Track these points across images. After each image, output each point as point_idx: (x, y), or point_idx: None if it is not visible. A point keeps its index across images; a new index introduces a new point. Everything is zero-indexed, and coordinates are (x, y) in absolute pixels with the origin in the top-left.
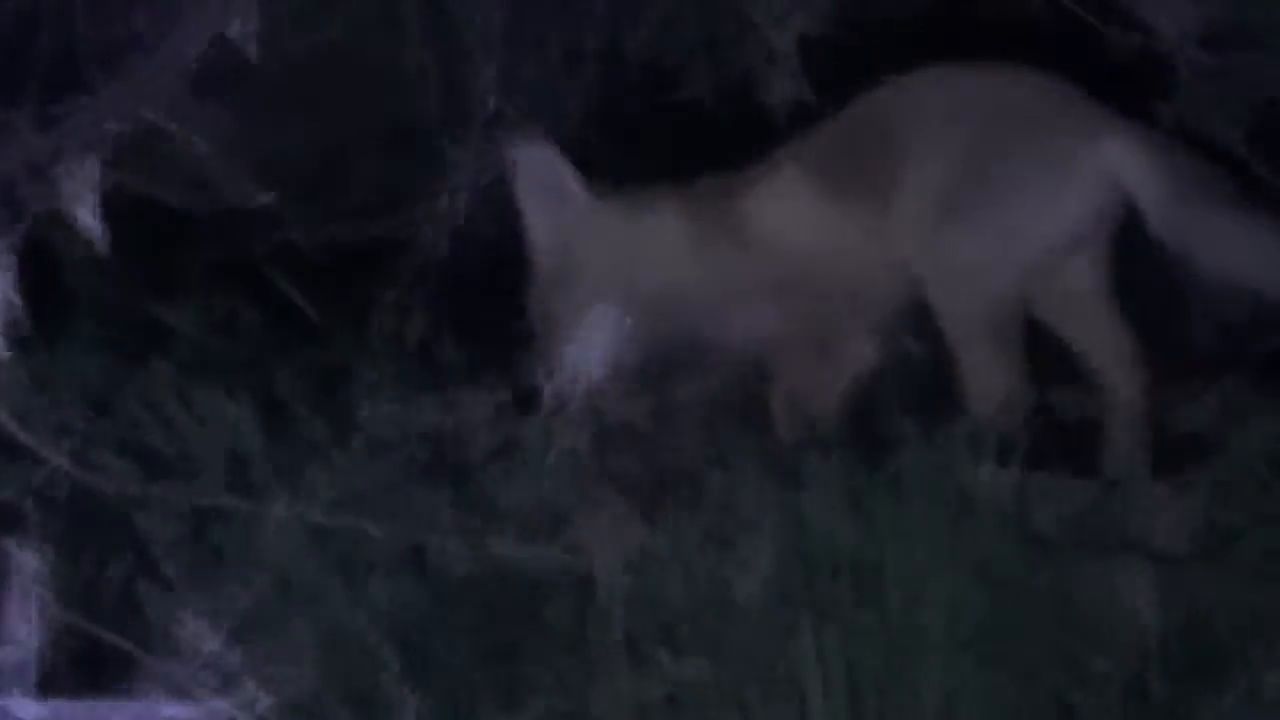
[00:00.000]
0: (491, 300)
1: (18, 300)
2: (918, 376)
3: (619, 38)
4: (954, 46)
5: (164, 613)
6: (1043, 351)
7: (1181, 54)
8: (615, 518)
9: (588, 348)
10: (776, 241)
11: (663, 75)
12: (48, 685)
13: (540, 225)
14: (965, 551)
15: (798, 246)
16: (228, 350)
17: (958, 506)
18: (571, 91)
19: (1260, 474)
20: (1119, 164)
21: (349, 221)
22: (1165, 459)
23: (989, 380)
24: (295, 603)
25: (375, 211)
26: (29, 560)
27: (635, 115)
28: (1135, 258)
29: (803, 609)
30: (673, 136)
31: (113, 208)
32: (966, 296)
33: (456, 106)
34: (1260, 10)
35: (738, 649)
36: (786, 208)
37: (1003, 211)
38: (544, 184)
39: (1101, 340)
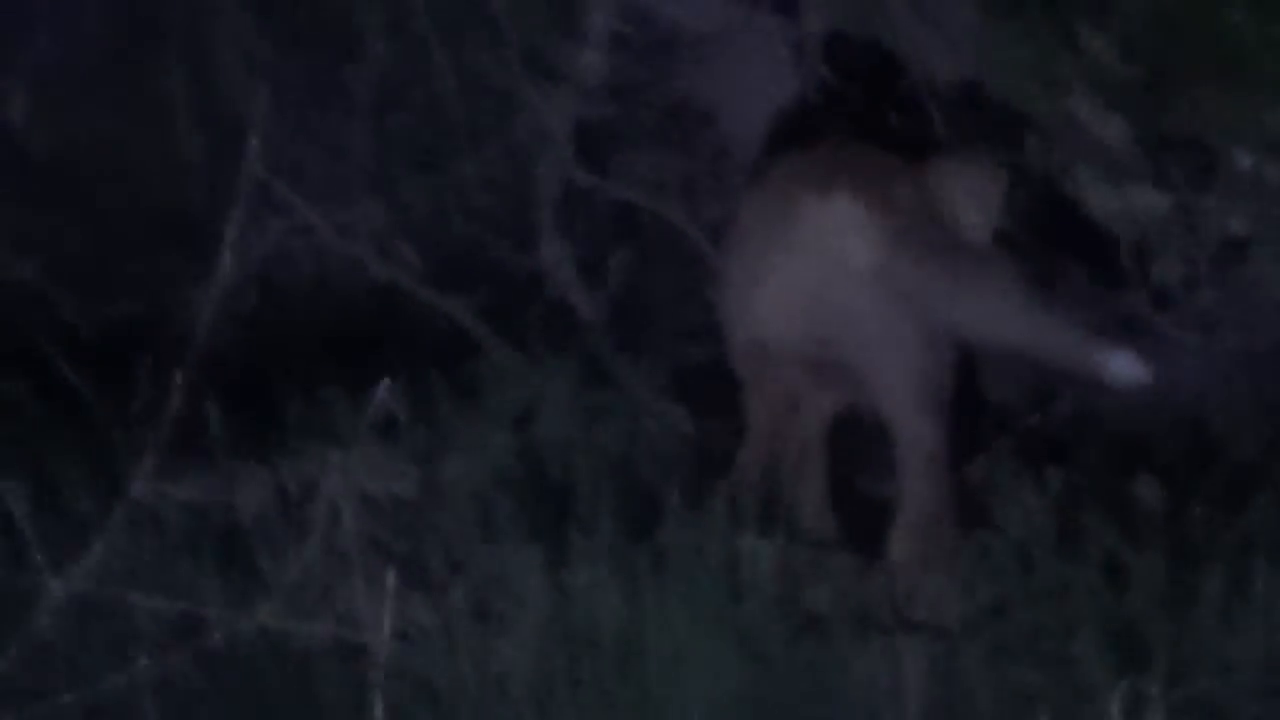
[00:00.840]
0: (263, 375)
1: None
2: (683, 446)
3: (385, 117)
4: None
5: None
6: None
7: None
8: (385, 589)
9: None
10: None
11: (434, 155)
12: None
13: None
14: (728, 625)
15: None
16: None
17: (723, 579)
18: (345, 171)
19: (1024, 549)
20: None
21: (120, 299)
22: None
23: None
24: (62, 674)
25: (147, 289)
26: None
27: (410, 194)
28: None
29: (563, 681)
30: (445, 214)
31: None
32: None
33: (225, 186)
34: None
35: None
36: None
37: (742, 278)
38: None
39: (905, 430)
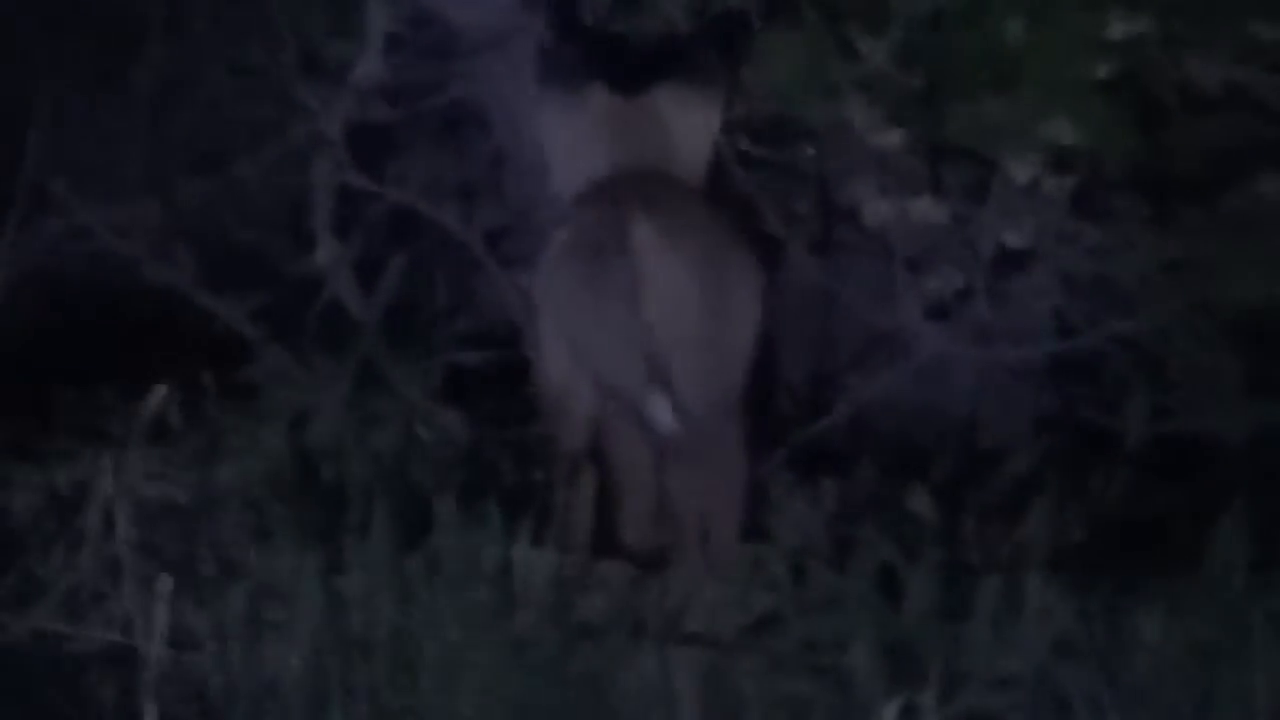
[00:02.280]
0: (37, 377)
1: None
2: (459, 455)
3: (164, 118)
4: None
5: None
6: None
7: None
8: (158, 594)
9: None
10: None
11: (212, 156)
12: None
13: None
14: (502, 633)
15: None
16: None
17: (497, 588)
18: (123, 169)
19: (798, 560)
20: None
21: None
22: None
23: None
24: None
25: None
26: None
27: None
28: None
29: (337, 687)
30: (220, 215)
31: None
32: None
33: (3, 185)
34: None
35: None
36: None
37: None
38: None
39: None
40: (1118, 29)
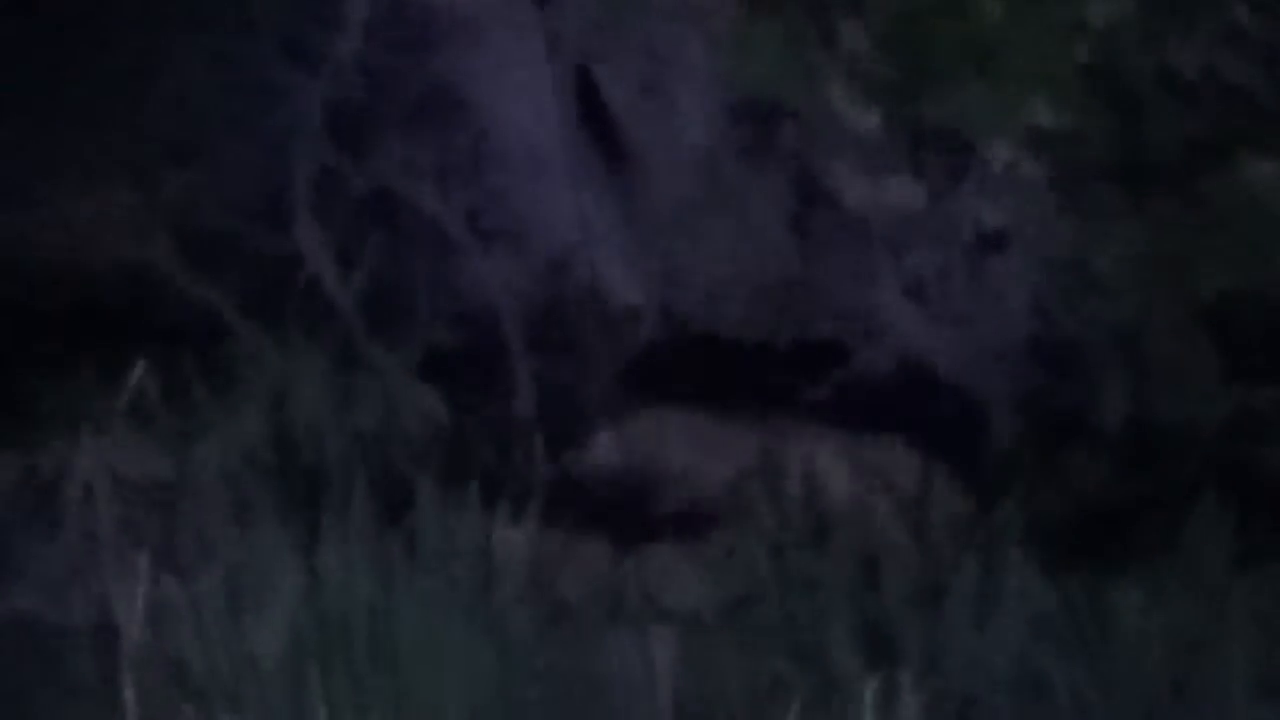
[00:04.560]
0: (16, 360)
1: None
2: (438, 434)
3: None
4: None
5: None
6: None
7: None
8: (137, 572)
9: None
10: None
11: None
12: None
13: None
14: (480, 612)
15: None
16: None
17: (475, 567)
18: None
19: (775, 541)
20: None
21: None
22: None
23: None
24: None
25: None
26: None
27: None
28: None
29: (314, 665)
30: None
31: None
32: None
33: None
34: None
35: (253, 702)
36: None
37: None
38: None
39: None
40: (1097, 14)
